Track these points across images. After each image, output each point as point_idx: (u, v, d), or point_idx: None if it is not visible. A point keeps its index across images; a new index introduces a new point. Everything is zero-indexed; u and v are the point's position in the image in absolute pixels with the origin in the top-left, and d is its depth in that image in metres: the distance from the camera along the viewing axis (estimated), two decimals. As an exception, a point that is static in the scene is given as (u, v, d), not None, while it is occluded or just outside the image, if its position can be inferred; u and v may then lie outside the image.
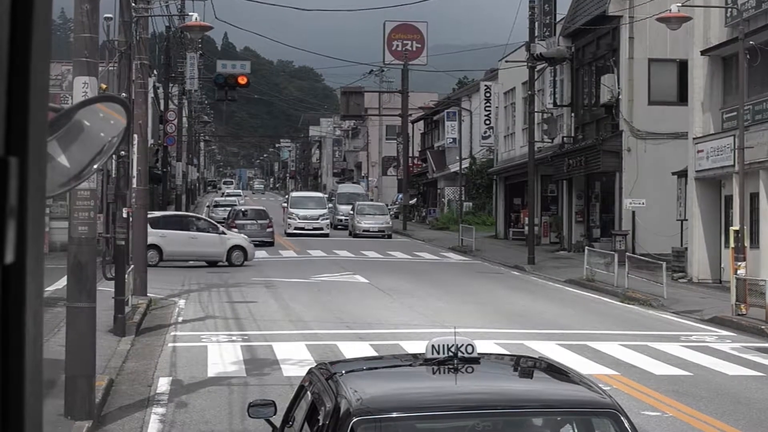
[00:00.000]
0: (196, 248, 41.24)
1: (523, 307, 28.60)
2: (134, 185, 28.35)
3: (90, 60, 14.10)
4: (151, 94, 49.33)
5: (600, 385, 7.54)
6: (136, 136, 27.61)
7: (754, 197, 32.31)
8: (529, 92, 48.41)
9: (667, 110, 43.60)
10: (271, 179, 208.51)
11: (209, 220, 46.18)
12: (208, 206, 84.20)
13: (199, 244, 41.32)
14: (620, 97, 44.65)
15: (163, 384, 16.97)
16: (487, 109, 67.77)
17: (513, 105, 62.60)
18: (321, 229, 62.47)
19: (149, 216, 43.25)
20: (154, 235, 38.91)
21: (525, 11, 50.53)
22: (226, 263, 40.82)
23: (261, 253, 47.60)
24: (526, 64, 47.72)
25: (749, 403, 15.94)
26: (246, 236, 44.29)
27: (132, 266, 25.59)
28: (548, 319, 25.94)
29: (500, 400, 6.63)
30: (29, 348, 1.46)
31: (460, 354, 6.75)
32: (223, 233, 42.50)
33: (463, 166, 68.37)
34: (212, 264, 41.01)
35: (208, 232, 42.17)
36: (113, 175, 23.17)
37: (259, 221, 54.68)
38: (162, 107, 66.54)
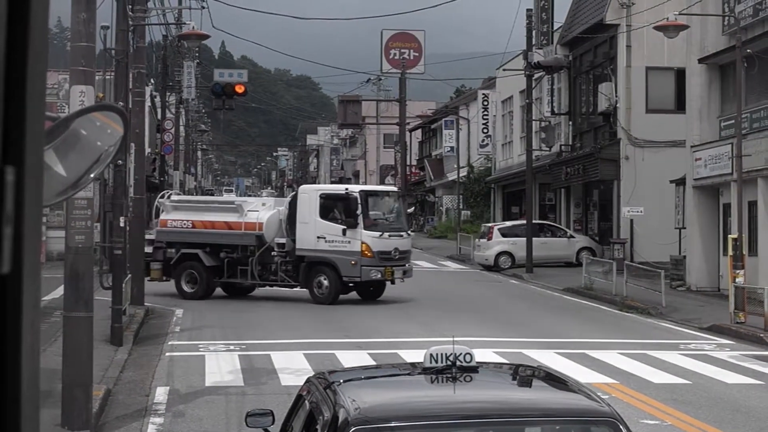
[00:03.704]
0: (547, 252, 44.79)
1: (521, 316, 28.58)
2: (131, 194, 28.33)
3: (87, 69, 14.10)
4: (148, 103, 49.32)
5: (599, 394, 7.52)
6: (133, 144, 27.61)
7: (752, 205, 32.31)
8: (527, 101, 48.44)
9: (665, 118, 43.65)
10: (269, 187, 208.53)
11: (557, 225, 49.07)
12: None
13: (550, 248, 45.22)
14: (618, 105, 44.69)
15: (160, 393, 16.95)
16: (484, 117, 67.82)
17: (511, 113, 62.68)
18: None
19: (500, 226, 47.25)
20: (505, 243, 45.33)
21: (522, 20, 50.58)
22: (576, 263, 43.70)
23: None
24: (523, 72, 47.74)
25: (748, 412, 15.93)
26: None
27: (129, 275, 25.56)
28: (547, 328, 25.92)
29: (499, 409, 6.61)
30: (26, 357, 1.46)
31: (458, 363, 6.73)
32: (572, 236, 46.24)
33: (461, 175, 68.40)
34: (568, 265, 44.48)
35: (557, 236, 46.20)
36: (110, 184, 23.17)
37: None
38: (159, 116, 66.51)
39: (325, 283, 30.50)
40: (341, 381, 7.16)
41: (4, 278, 1.44)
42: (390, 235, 30.96)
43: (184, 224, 32.17)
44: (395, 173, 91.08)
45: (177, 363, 20.06)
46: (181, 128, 78.91)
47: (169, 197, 33.97)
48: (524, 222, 49.30)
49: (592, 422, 6.43)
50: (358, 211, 30.34)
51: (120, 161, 22.86)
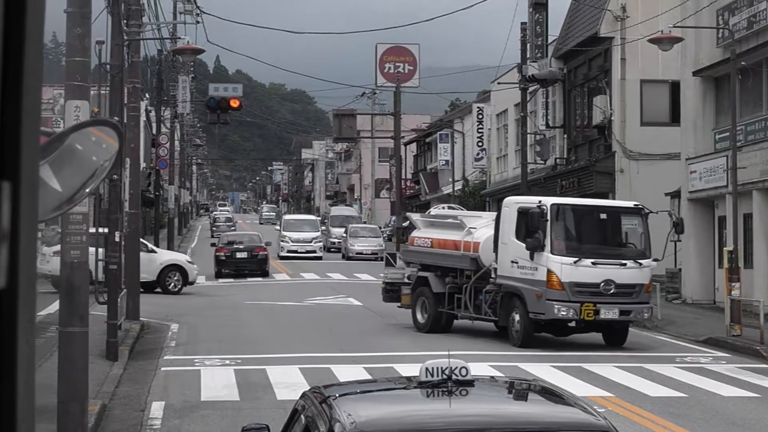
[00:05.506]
0: None
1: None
2: (126, 209, 28.31)
3: (82, 84, 14.10)
4: (143, 118, 49.35)
5: (595, 407, 7.52)
6: (128, 159, 27.60)
7: (748, 218, 32.33)
8: (522, 114, 48.47)
9: (660, 131, 43.69)
10: (264, 202, 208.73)
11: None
12: (209, 220, 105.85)
13: None
14: (612, 118, 44.73)
15: (156, 408, 16.90)
16: (479, 130, 67.87)
17: (505, 127, 62.71)
18: (314, 252, 62.42)
19: None
20: None
21: (517, 33, 50.66)
22: None
23: (254, 277, 47.59)
24: (518, 85, 47.78)
25: (744, 425, 15.91)
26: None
27: (124, 290, 25.53)
28: (542, 341, 25.89)
29: (495, 422, 6.59)
30: (21, 373, 1.46)
31: (454, 376, 6.72)
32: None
33: (456, 188, 68.40)
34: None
35: None
36: (105, 199, 23.11)
37: (228, 224, 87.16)
38: (154, 131, 66.51)
39: (517, 319, 24.98)
40: (337, 395, 7.14)
41: (0, 293, 1.43)
42: (596, 263, 24.71)
43: (425, 243, 28.01)
44: (390, 187, 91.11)
45: (172, 378, 20.01)
46: (176, 143, 78.91)
47: (427, 212, 29.99)
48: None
49: (588, 436, 6.41)
50: (545, 230, 24.35)
51: (115, 176, 22.82)
